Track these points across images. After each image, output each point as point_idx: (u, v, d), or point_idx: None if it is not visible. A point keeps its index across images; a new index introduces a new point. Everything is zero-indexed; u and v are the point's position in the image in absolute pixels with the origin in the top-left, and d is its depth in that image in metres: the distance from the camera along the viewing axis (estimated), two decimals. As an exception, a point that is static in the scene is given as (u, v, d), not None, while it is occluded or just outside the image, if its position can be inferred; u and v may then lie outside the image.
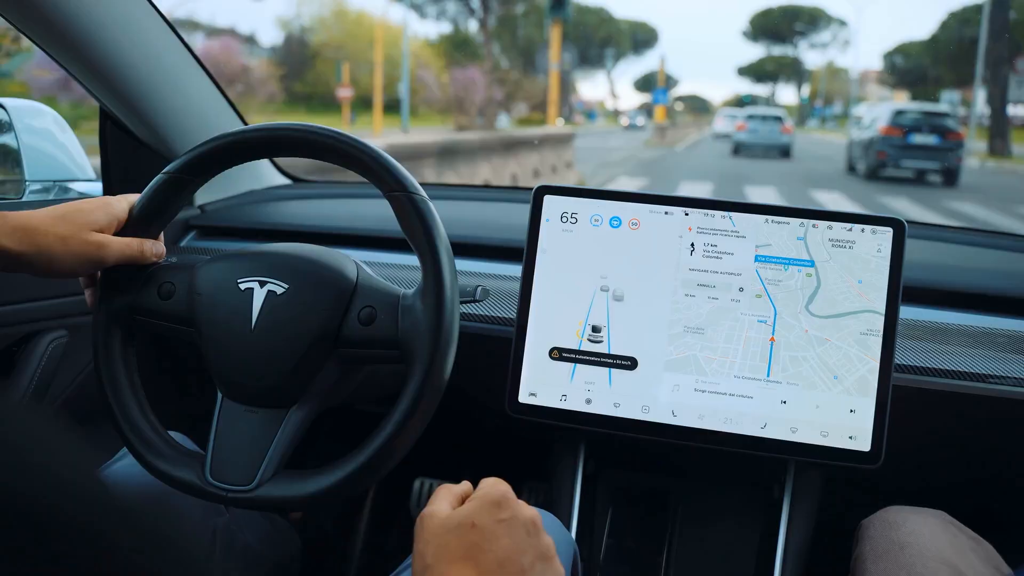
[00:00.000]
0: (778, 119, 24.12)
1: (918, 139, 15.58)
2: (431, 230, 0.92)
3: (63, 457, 0.28)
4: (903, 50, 60.01)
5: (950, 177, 15.48)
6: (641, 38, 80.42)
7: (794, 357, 1.04)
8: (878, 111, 17.56)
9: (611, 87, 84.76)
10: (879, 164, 16.00)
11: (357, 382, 1.02)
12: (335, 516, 1.70)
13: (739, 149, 23.94)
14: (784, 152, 23.16)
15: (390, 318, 0.93)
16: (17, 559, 0.25)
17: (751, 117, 25.00)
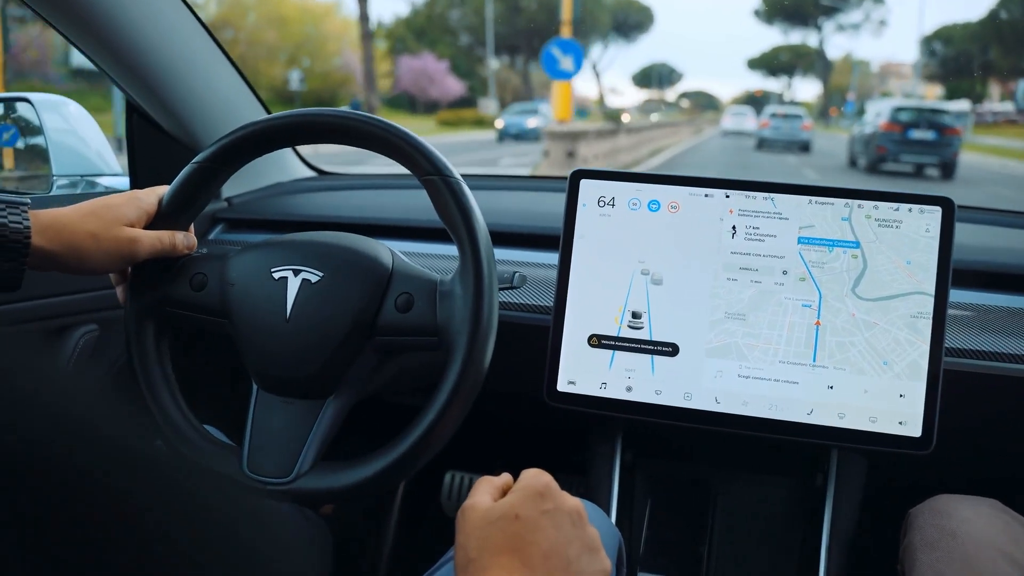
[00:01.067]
0: (798, 117, 25.52)
1: (916, 135, 16.27)
2: (468, 213, 0.89)
3: (117, 428, 0.28)
4: (945, 34, 51.78)
5: (947, 171, 16.16)
6: (631, 20, 62.94)
7: (841, 343, 1.01)
8: (879, 107, 18.42)
9: (598, 81, 66.03)
10: (879, 158, 16.63)
11: (393, 371, 1.00)
12: (366, 510, 1.69)
13: (762, 144, 25.02)
14: (804, 147, 24.27)
15: (428, 304, 0.91)
16: (71, 527, 0.25)
17: (774, 115, 26.16)
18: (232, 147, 0.97)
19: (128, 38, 1.23)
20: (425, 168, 0.91)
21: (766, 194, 1.05)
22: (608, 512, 1.17)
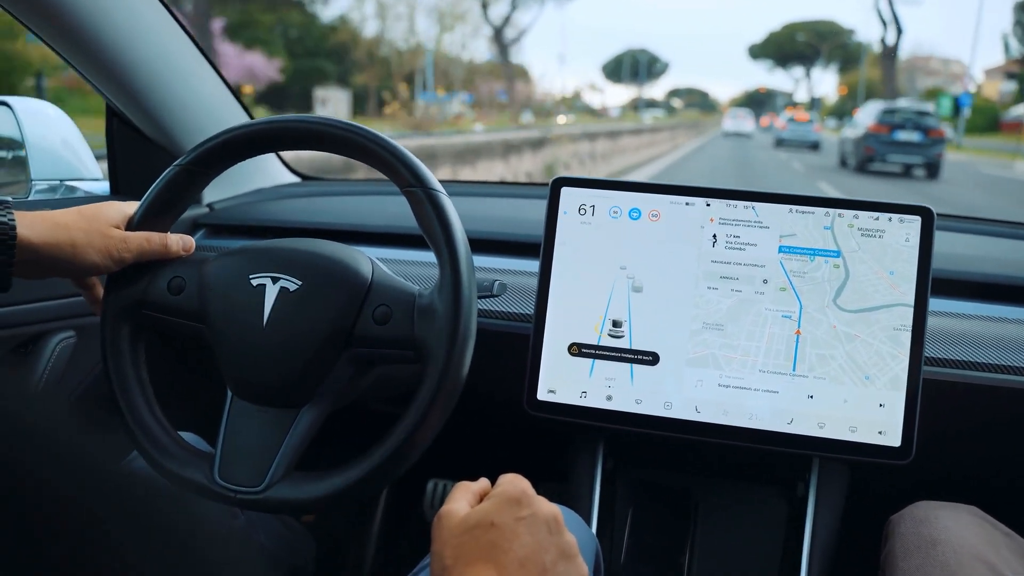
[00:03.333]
0: (810, 122, 32.75)
1: (903, 136, 17.65)
2: (449, 227, 0.89)
3: (84, 447, 0.27)
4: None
5: (932, 171, 17.53)
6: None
7: (821, 355, 1.01)
8: (868, 110, 19.87)
9: (506, 70, 50.18)
10: (867, 158, 18.05)
11: (370, 381, 0.99)
12: (348, 518, 1.68)
13: (781, 143, 31.55)
14: (814, 146, 29.83)
15: (406, 317, 0.90)
16: (32, 545, 0.24)
17: (791, 120, 33.70)
18: (213, 151, 0.96)
19: (107, 42, 1.22)
20: (407, 179, 0.91)
21: (747, 203, 1.05)
22: (589, 521, 1.16)
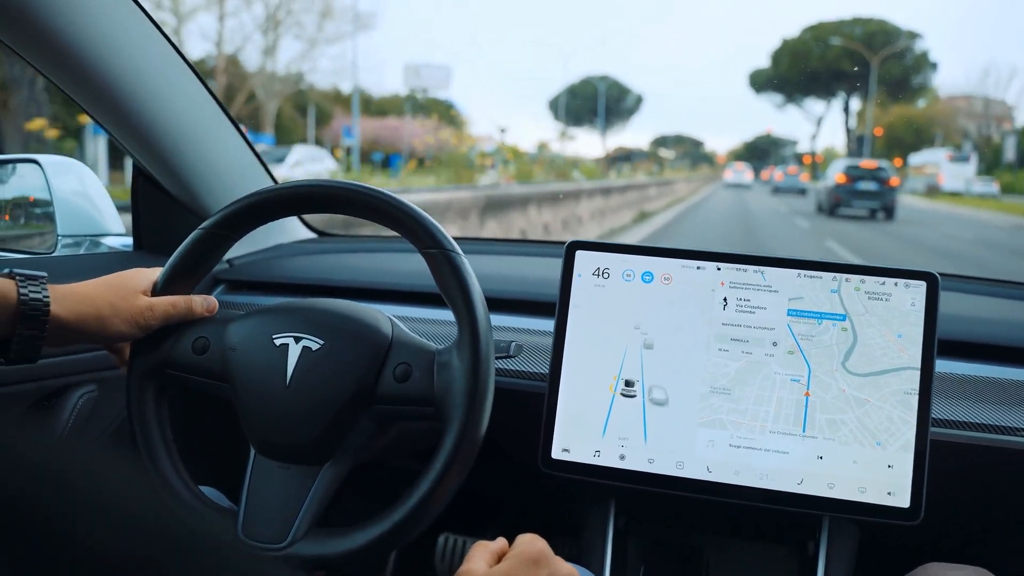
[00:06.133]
0: (797, 175, 42.37)
1: (863, 185, 21.77)
2: (467, 288, 0.92)
3: (112, 492, 0.28)
4: None
5: (888, 213, 21.80)
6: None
7: (832, 420, 1.03)
8: (835, 165, 24.42)
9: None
10: (835, 204, 22.15)
11: (390, 438, 1.01)
12: (359, 572, 1.68)
13: (776, 191, 39.83)
14: (801, 191, 37.20)
15: (426, 375, 0.93)
16: None
17: (785, 173, 42.85)
18: (238, 215, 1.00)
19: (135, 103, 1.27)
20: (426, 241, 0.94)
21: (756, 267, 1.08)
22: None
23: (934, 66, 57.17)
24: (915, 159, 47.71)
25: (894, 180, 22.61)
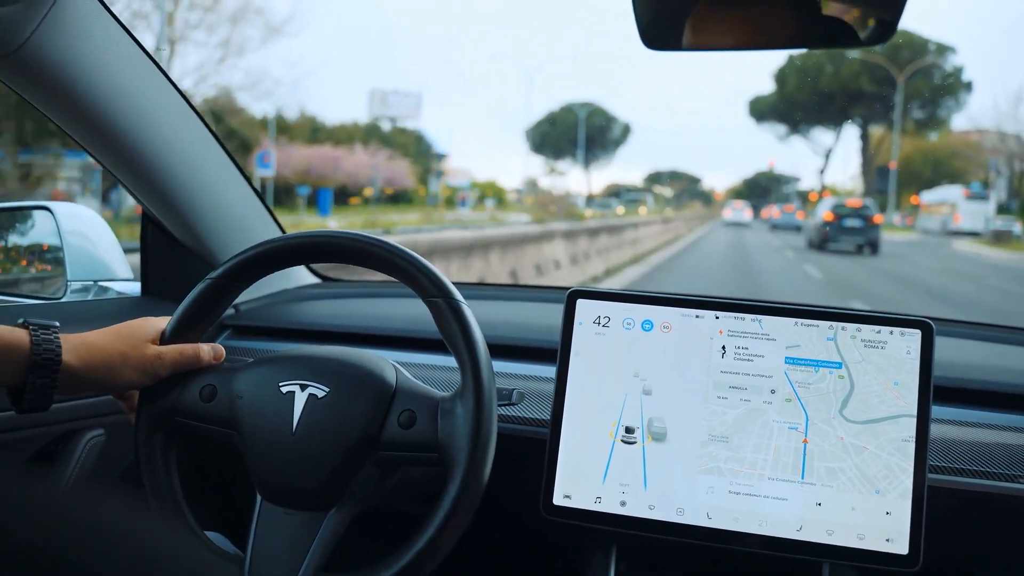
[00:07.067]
0: (795, 211, 44.17)
1: (849, 223, 23.57)
2: (470, 336, 0.94)
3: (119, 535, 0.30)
4: None
5: (873, 248, 23.37)
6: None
7: (830, 468, 1.04)
8: (824, 204, 26.54)
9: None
10: (823, 240, 23.92)
11: (394, 484, 1.03)
12: None
13: (774, 228, 41.33)
14: (797, 228, 37.75)
15: (430, 422, 0.95)
16: None
17: (783, 213, 44.19)
18: (245, 265, 1.03)
19: (144, 151, 1.30)
20: (429, 290, 0.96)
21: (754, 315, 1.10)
22: None
23: (968, 86, 48.58)
24: (927, 196, 43.09)
25: (877, 217, 24.61)
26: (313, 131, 41.89)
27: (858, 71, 46.25)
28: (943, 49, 47.06)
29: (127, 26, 1.20)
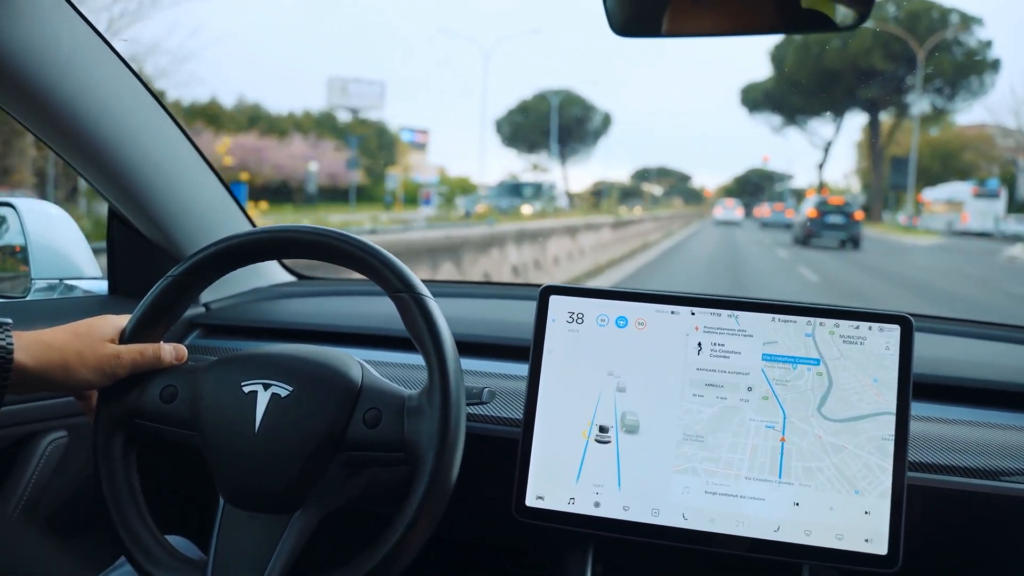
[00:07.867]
0: (784, 210, 43.26)
1: (831, 219, 24.39)
2: (436, 332, 0.92)
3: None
4: None
5: (855, 243, 24.22)
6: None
7: (808, 468, 1.02)
8: (808, 201, 27.60)
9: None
10: (808, 236, 24.80)
11: (361, 485, 1.00)
12: None
13: (765, 225, 40.90)
14: (787, 226, 36.28)
15: (396, 420, 0.92)
16: None
17: (772, 211, 43.70)
18: (207, 261, 1.00)
19: (109, 146, 1.27)
20: (395, 285, 0.94)
21: (731, 312, 1.07)
22: None
23: (995, 65, 41.13)
24: (930, 194, 38.80)
25: (858, 214, 25.72)
26: (251, 120, 38.35)
27: (870, 46, 39.00)
28: (968, 20, 40.00)
29: (87, 17, 1.16)
